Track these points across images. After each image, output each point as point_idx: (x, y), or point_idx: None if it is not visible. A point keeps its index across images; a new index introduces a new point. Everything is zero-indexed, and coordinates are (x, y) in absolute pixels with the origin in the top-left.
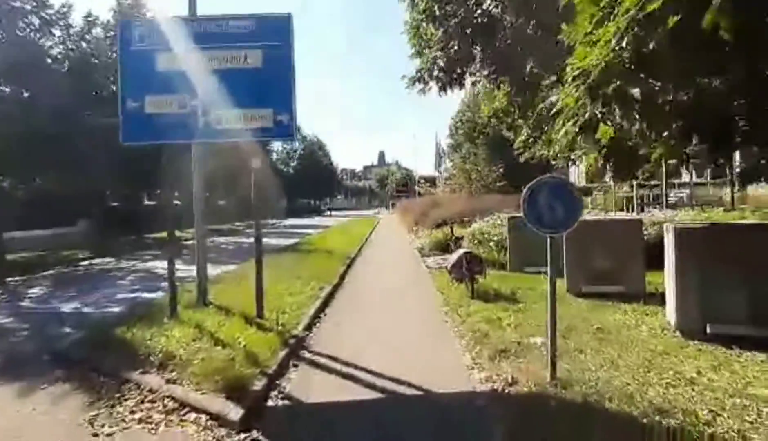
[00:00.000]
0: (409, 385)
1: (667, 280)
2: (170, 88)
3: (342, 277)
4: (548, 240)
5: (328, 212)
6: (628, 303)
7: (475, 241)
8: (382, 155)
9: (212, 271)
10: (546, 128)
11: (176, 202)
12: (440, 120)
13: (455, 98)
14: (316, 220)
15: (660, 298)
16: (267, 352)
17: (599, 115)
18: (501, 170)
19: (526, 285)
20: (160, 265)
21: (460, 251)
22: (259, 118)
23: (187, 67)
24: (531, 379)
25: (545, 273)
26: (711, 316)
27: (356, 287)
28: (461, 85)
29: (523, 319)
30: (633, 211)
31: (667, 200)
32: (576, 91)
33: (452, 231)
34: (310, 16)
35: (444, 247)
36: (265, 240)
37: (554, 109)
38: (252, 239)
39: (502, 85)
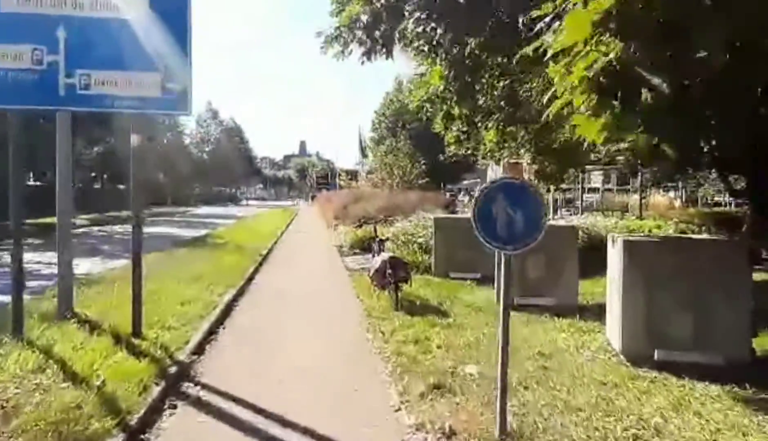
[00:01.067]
0: None
1: (611, 296)
2: (18, 34)
3: (250, 279)
4: (502, 257)
5: (245, 201)
6: (564, 317)
7: (399, 242)
8: (303, 145)
9: (97, 267)
10: (480, 123)
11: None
12: (364, 114)
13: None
14: (231, 210)
15: (595, 313)
16: (135, 389)
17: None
18: (424, 166)
19: (453, 293)
20: (39, 258)
21: (384, 256)
22: (144, 84)
23: (44, 8)
24: (474, 429)
25: (471, 280)
26: (658, 340)
27: (266, 292)
28: (389, 53)
29: (455, 338)
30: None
31: (582, 204)
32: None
33: (375, 231)
34: None
35: (365, 247)
36: (169, 230)
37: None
38: (156, 229)
39: (436, 62)
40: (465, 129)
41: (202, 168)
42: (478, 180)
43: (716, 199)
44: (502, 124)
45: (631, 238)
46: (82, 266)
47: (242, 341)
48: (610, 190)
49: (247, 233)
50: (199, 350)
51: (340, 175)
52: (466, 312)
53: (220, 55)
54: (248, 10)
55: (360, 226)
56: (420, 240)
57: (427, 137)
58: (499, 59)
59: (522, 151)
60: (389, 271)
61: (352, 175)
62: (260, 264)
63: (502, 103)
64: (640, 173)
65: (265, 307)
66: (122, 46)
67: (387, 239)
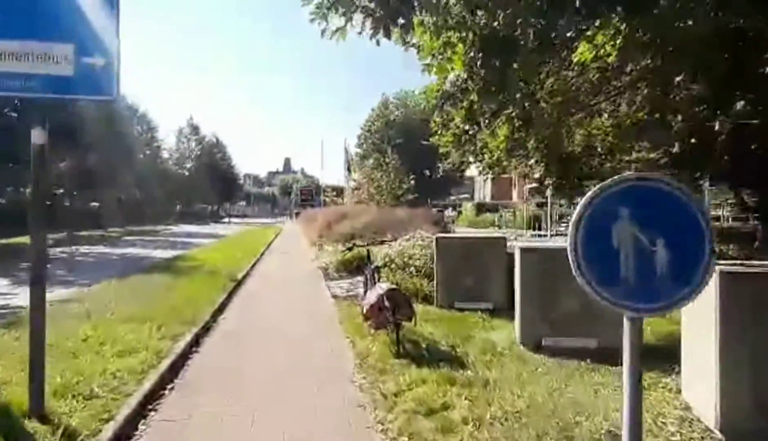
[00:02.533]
0: None
1: (689, 342)
2: None
3: (217, 313)
4: (625, 325)
5: (227, 219)
6: (613, 365)
7: (393, 266)
8: (287, 162)
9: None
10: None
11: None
12: (350, 131)
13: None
14: (212, 228)
15: (662, 357)
16: None
17: None
18: (413, 181)
19: (465, 331)
20: None
21: (380, 287)
22: (50, 58)
23: None
24: None
25: (483, 312)
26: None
27: (235, 331)
28: (407, 28)
29: (483, 404)
30: (544, 229)
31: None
32: None
33: (369, 255)
34: (225, 9)
35: (353, 269)
36: (139, 251)
37: None
38: (125, 250)
39: (459, 43)
40: (467, 128)
41: (182, 185)
42: (467, 195)
43: (715, 213)
44: (517, 122)
45: (730, 268)
46: (21, 296)
47: (192, 414)
48: None
49: (224, 254)
50: (125, 436)
51: (325, 191)
52: (488, 359)
53: (202, 70)
54: (234, 24)
55: (351, 248)
56: (418, 263)
57: (413, 152)
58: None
59: (532, 161)
60: (388, 306)
61: (338, 191)
62: (233, 292)
63: (519, 94)
64: None
65: (232, 354)
66: (15, 4)
67: (384, 266)
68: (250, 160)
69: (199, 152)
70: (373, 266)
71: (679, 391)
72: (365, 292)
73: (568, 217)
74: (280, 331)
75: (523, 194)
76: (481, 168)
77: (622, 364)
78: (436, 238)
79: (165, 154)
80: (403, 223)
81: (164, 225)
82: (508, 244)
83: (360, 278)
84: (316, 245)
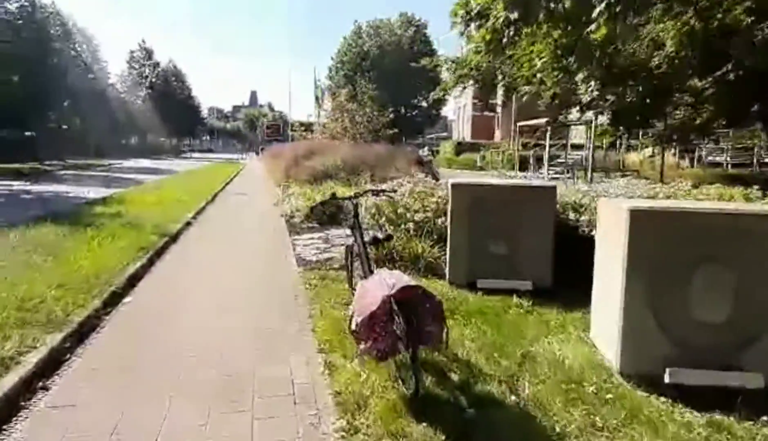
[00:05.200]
0: None
1: None
2: None
3: (118, 296)
4: None
5: (188, 154)
6: None
7: (382, 221)
8: (254, 95)
9: None
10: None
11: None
12: (320, 62)
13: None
14: (168, 163)
15: None
16: None
17: None
18: (392, 115)
19: (512, 337)
20: None
21: (384, 283)
22: None
23: None
24: None
25: (522, 296)
26: None
27: (137, 335)
28: None
29: None
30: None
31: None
32: None
33: (357, 211)
34: None
35: (326, 218)
36: (67, 189)
37: None
38: (50, 186)
39: None
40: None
41: (136, 115)
42: (445, 134)
43: (715, 159)
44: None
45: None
46: None
47: None
48: (599, 147)
49: (167, 195)
50: None
51: (293, 126)
52: (591, 420)
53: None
54: None
55: (332, 197)
56: (417, 217)
57: (386, 87)
58: None
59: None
60: (401, 322)
61: (307, 126)
62: (156, 256)
63: None
64: (635, 131)
65: (130, 371)
66: None
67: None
68: (215, 95)
69: (154, 79)
70: (371, 235)
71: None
72: (349, 270)
73: (558, 159)
74: (214, 343)
75: (512, 133)
76: (509, 83)
77: None
78: (452, 185)
79: (114, 81)
80: (382, 162)
81: (114, 159)
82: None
83: (336, 231)
84: (281, 185)
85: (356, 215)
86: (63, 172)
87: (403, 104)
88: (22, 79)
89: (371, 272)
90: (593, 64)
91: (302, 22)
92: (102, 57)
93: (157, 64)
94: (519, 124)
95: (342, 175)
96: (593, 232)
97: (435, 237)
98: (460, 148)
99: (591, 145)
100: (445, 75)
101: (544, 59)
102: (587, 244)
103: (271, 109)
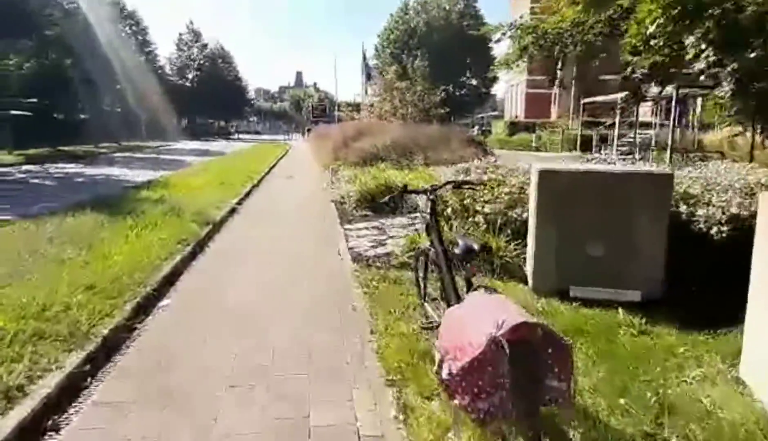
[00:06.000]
0: None
1: None
2: None
3: (164, 288)
4: None
5: (236, 135)
6: None
7: (447, 212)
8: (299, 76)
9: None
10: None
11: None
12: (367, 41)
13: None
14: (215, 145)
15: None
16: None
17: None
18: (444, 93)
19: (625, 367)
20: None
21: (479, 303)
22: None
23: None
24: None
25: (628, 306)
26: None
27: (179, 339)
28: None
29: None
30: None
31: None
32: None
33: (434, 206)
34: None
35: (381, 205)
36: (117, 172)
37: None
38: (100, 170)
39: None
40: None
41: (184, 97)
42: (495, 113)
43: None
44: None
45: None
46: None
47: None
48: (663, 125)
49: (214, 177)
50: None
51: (339, 106)
52: None
53: None
54: None
55: (404, 190)
56: (488, 209)
57: (439, 61)
58: None
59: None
60: (514, 377)
61: (354, 106)
62: (199, 246)
63: None
64: (697, 105)
65: (149, 422)
66: None
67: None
68: (261, 76)
69: (201, 61)
70: (463, 244)
71: None
72: (421, 280)
73: (625, 138)
74: (251, 368)
75: (572, 111)
76: (581, 52)
77: None
78: (540, 172)
79: (163, 62)
80: (434, 143)
81: (165, 141)
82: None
83: (392, 220)
84: (330, 169)
85: (434, 213)
86: (116, 154)
87: (452, 82)
88: (74, 61)
89: (457, 295)
90: (710, 22)
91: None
92: (151, 39)
93: (204, 46)
94: (584, 100)
95: (393, 157)
96: (712, 231)
97: (509, 232)
98: (514, 127)
99: (672, 123)
100: (501, 48)
101: (659, 21)
102: (705, 245)
103: (317, 89)
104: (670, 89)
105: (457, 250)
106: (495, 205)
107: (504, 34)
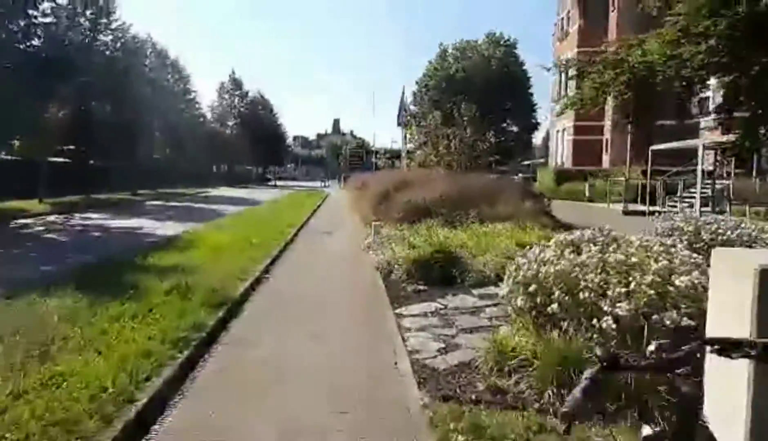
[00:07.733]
0: None
1: None
2: None
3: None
4: None
5: (273, 182)
6: None
7: (554, 305)
8: (336, 123)
9: None
10: None
11: None
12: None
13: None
14: (251, 192)
15: None
16: None
17: None
18: (492, 139)
19: None
20: None
21: None
22: None
23: None
24: None
25: None
26: None
27: None
28: None
29: None
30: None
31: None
32: None
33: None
34: None
35: (438, 275)
36: (144, 224)
37: None
38: (127, 221)
39: None
40: None
41: (224, 144)
42: (542, 160)
43: None
44: None
45: None
46: None
47: None
48: (737, 174)
49: (243, 232)
50: None
51: (377, 154)
52: None
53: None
54: None
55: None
56: (622, 309)
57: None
58: None
59: None
60: None
61: (393, 154)
62: (199, 354)
63: None
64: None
65: None
66: None
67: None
68: (299, 123)
69: (242, 109)
70: None
71: None
72: None
73: (692, 188)
74: None
75: (628, 159)
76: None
77: None
78: (763, 272)
79: (205, 110)
80: (488, 195)
81: (202, 188)
82: None
83: (455, 298)
84: (371, 224)
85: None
86: (149, 202)
87: (493, 128)
88: (114, 108)
89: None
90: None
91: (386, 46)
92: (192, 87)
93: (245, 94)
94: (652, 147)
95: (443, 211)
96: None
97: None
98: (562, 175)
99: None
100: (541, 91)
101: None
102: None
103: (354, 136)
104: None
105: None
106: (632, 305)
107: (573, 68)
